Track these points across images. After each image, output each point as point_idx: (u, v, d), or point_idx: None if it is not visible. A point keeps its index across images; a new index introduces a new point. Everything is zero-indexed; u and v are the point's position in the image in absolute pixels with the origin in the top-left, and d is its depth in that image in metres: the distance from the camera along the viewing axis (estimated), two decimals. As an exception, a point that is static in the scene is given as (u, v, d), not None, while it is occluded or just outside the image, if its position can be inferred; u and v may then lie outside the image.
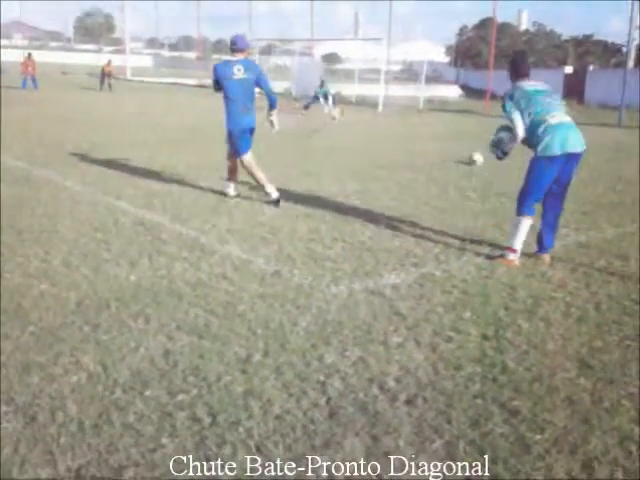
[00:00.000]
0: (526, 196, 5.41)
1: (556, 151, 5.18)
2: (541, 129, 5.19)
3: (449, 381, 3.37)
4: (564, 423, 3.00)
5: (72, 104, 22.40)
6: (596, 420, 3.04)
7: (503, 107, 5.35)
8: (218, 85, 7.20)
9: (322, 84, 24.92)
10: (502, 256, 5.49)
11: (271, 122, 7.48)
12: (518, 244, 5.43)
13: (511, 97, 5.32)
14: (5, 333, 3.71)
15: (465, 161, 10.78)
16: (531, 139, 5.29)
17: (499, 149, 5.57)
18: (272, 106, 7.39)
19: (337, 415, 3.01)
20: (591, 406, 3.17)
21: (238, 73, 7.04)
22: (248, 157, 7.35)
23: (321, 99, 24.14)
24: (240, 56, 7.17)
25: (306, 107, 23.85)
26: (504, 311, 4.39)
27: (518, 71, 5.48)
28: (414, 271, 5.18)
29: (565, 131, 5.22)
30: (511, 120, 5.31)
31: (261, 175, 7.34)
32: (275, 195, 7.27)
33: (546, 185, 5.35)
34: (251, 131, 7.34)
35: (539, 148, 5.23)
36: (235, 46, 7.16)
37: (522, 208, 5.43)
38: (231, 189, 7.71)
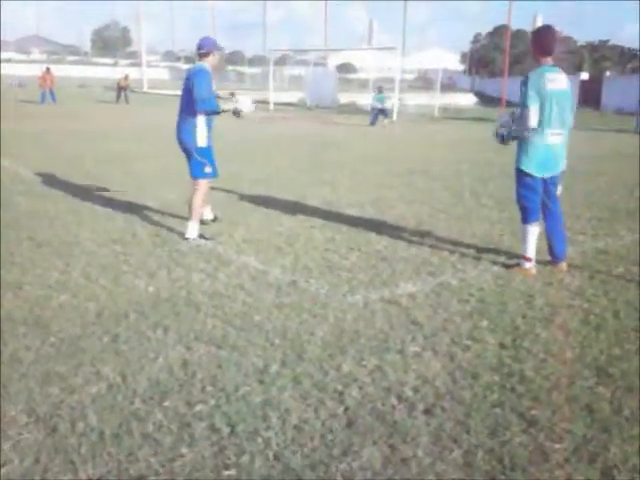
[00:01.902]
0: (522, 205, 5.40)
1: (534, 173, 5.22)
2: (532, 140, 5.15)
3: (467, 390, 3.36)
4: (583, 432, 2.99)
5: (90, 117, 22.67)
6: (616, 429, 3.02)
7: (524, 93, 5.05)
8: None
9: (380, 90, 24.91)
10: (518, 265, 5.47)
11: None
12: (530, 252, 5.41)
13: (531, 87, 5.04)
14: (26, 344, 3.76)
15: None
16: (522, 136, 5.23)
17: (503, 134, 5.37)
18: (200, 111, 6.06)
19: (355, 424, 3.01)
20: (610, 414, 3.15)
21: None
22: (202, 185, 6.26)
23: (376, 107, 24.06)
24: (202, 61, 6.19)
25: (372, 123, 23.92)
26: (522, 319, 4.38)
27: (543, 47, 5.14)
28: (430, 280, 5.18)
29: (549, 155, 5.20)
30: (527, 108, 5.07)
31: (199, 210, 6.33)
32: (188, 234, 6.20)
33: (536, 191, 5.30)
34: (184, 150, 6.28)
35: (520, 159, 5.24)
36: (200, 50, 6.19)
37: (524, 217, 5.42)
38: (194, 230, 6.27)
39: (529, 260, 5.41)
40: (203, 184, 6.30)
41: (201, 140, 6.18)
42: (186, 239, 6.16)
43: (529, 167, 5.23)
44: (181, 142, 6.27)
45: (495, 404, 3.22)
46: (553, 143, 5.19)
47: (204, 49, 6.17)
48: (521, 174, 5.31)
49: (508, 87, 32.24)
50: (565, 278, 5.28)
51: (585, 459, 2.78)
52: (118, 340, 3.86)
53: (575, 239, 6.57)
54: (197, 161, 6.21)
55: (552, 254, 5.55)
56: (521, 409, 3.18)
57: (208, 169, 6.26)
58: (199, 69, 6.12)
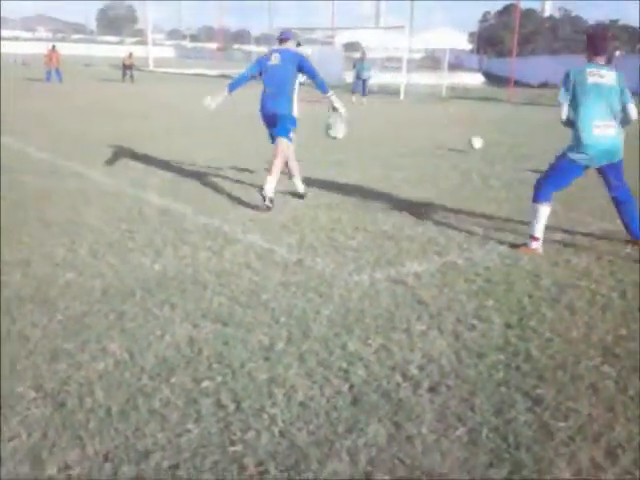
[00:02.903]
0: (545, 185, 5.45)
1: (582, 162, 5.31)
2: (580, 131, 5.26)
3: (472, 369, 3.37)
4: (588, 411, 2.99)
5: (95, 96, 22.59)
6: (620, 408, 3.03)
7: (559, 90, 5.39)
8: (254, 69, 7.27)
9: (362, 58, 24.42)
10: (525, 245, 5.46)
11: (333, 108, 7.24)
12: (539, 232, 5.41)
13: (566, 83, 5.31)
14: (33, 321, 3.78)
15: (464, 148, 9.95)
16: (571, 126, 5.39)
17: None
18: (322, 91, 7.14)
19: (360, 402, 3.03)
20: (615, 394, 3.16)
21: (274, 60, 7.16)
22: (283, 142, 7.05)
23: (359, 78, 23.48)
24: (282, 46, 7.28)
25: (354, 92, 23.40)
26: (528, 299, 4.37)
27: (596, 48, 5.40)
28: (437, 259, 5.17)
29: (600, 147, 5.26)
30: (559, 104, 5.38)
31: (293, 164, 7.38)
32: (302, 189, 7.37)
33: (564, 176, 5.40)
34: (275, 117, 7.10)
35: (569, 147, 5.35)
36: (282, 36, 7.40)
37: (539, 195, 5.44)
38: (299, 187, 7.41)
39: (536, 240, 5.41)
40: (285, 144, 7.03)
41: (295, 111, 7.39)
42: (264, 196, 6.64)
43: (572, 153, 5.32)
44: (274, 113, 7.04)
45: (500, 383, 3.23)
46: (601, 134, 5.26)
47: (286, 35, 7.40)
48: (561, 157, 5.41)
49: (516, 67, 31.96)
50: (572, 258, 5.27)
51: (590, 438, 2.79)
52: (124, 318, 3.88)
53: (583, 220, 6.55)
54: (286, 126, 7.06)
55: (631, 234, 5.61)
56: (526, 388, 3.19)
57: (293, 134, 7.12)
58: (301, 55, 7.42)
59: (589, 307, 4.27)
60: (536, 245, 5.41)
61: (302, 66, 7.15)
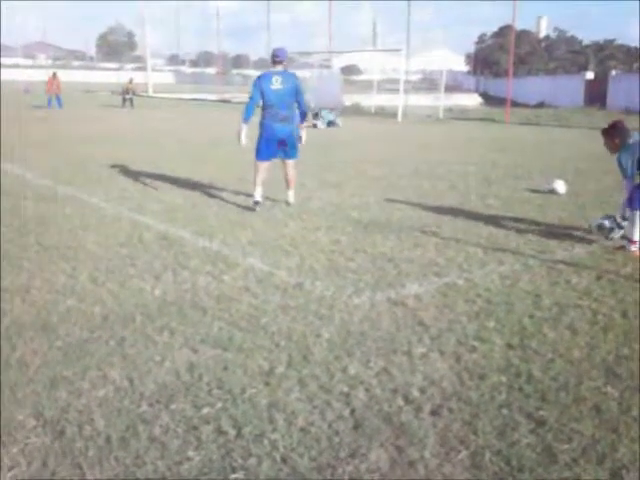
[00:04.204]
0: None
1: None
2: None
3: (474, 391, 3.35)
4: (592, 432, 2.97)
5: (95, 122, 22.72)
6: (624, 429, 3.00)
7: (619, 159, 6.00)
8: (258, 95, 7.48)
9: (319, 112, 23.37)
10: (623, 247, 6.07)
11: (299, 137, 7.81)
12: (636, 236, 5.98)
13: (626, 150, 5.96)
14: (33, 348, 3.77)
15: (543, 189, 9.63)
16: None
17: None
18: (300, 119, 7.78)
19: (362, 427, 3.00)
20: (619, 415, 3.14)
21: (275, 84, 7.42)
22: (262, 165, 7.72)
23: (319, 123, 22.59)
24: (279, 67, 7.52)
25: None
26: (529, 320, 4.36)
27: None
28: (436, 280, 5.16)
29: None
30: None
31: (258, 181, 7.71)
32: (257, 198, 7.68)
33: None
34: (280, 142, 7.63)
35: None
36: (277, 58, 7.53)
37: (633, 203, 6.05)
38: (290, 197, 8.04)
39: (635, 243, 6.00)
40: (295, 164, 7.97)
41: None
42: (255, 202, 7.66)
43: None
44: (287, 137, 7.63)
45: (502, 405, 3.21)
46: None
47: (282, 57, 7.55)
48: None
49: (513, 87, 32.18)
50: (572, 278, 5.26)
51: (593, 460, 2.76)
52: (124, 344, 3.87)
53: (583, 238, 6.55)
54: (297, 148, 7.85)
55: None
56: (529, 409, 3.16)
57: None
58: (296, 76, 7.74)
59: (590, 327, 4.25)
60: (635, 248, 5.99)
61: (296, 92, 7.53)
